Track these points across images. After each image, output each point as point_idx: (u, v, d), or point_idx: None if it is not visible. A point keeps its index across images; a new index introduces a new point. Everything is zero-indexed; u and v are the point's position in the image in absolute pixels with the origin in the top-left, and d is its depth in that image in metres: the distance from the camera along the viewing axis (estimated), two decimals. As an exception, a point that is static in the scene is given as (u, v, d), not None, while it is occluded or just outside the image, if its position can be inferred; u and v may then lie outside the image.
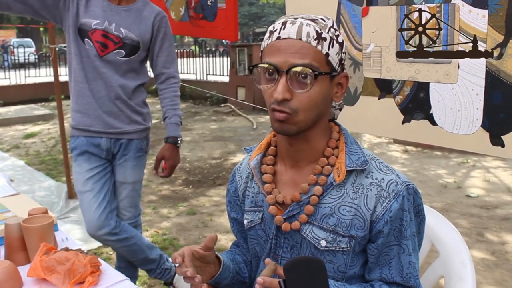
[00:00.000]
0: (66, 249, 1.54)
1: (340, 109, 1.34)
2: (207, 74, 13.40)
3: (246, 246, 1.45)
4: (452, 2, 1.78)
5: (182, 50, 16.67)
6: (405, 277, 1.20)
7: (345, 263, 1.21)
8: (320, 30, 1.14)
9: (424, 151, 6.72)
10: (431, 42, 1.85)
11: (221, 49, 15.18)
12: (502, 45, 1.67)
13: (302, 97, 1.13)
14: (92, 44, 2.44)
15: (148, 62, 2.66)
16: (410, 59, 1.94)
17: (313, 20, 1.16)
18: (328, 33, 1.15)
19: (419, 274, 1.25)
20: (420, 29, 1.86)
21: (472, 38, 1.74)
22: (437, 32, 1.83)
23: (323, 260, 1.07)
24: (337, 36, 1.18)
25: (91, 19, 2.43)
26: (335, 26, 1.19)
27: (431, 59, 1.87)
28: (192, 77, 13.65)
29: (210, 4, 2.98)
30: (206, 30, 3.09)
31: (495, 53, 1.69)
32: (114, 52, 2.45)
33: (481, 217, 4.36)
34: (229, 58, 12.00)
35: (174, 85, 2.65)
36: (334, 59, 1.16)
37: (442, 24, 1.80)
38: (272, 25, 1.20)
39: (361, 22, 2.10)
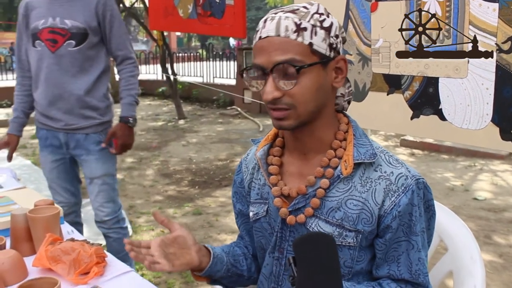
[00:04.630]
0: (72, 240, 1.54)
1: (349, 102, 1.31)
2: (214, 77, 13.42)
3: (248, 238, 1.43)
4: (462, -4, 1.77)
5: (189, 54, 16.70)
6: (414, 274, 1.17)
7: (352, 258, 1.19)
8: (299, 20, 1.11)
9: (431, 154, 6.68)
10: (431, 42, 1.84)
11: (228, 53, 15.19)
12: (513, 38, 1.66)
13: (293, 92, 1.11)
14: (43, 43, 2.50)
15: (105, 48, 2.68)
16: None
17: (293, 11, 1.12)
18: (309, 21, 1.11)
19: (427, 268, 1.23)
20: (420, 29, 1.85)
21: (472, 39, 1.73)
22: (437, 32, 1.82)
23: (332, 236, 1.05)
24: (321, 21, 1.13)
25: (38, 20, 2.51)
26: (320, 11, 1.14)
27: (440, 53, 1.86)
28: (199, 79, 13.68)
29: (218, 1, 2.98)
30: (214, 28, 3.09)
31: (506, 47, 1.68)
32: (65, 44, 2.50)
33: (489, 219, 4.33)
34: (235, 62, 12.01)
35: (129, 66, 2.68)
36: (321, 46, 1.12)
37: (452, 6, 1.79)
38: (258, 25, 1.18)
39: (370, 17, 2.09)
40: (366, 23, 2.12)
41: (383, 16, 2.04)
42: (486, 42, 1.73)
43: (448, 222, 1.52)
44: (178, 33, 32.06)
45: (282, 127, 1.15)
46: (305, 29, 1.10)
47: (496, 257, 3.58)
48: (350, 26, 2.18)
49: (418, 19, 1.89)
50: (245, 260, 1.40)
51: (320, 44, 1.12)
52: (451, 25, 1.82)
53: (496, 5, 1.68)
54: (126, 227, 2.82)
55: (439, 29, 1.82)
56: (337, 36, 1.16)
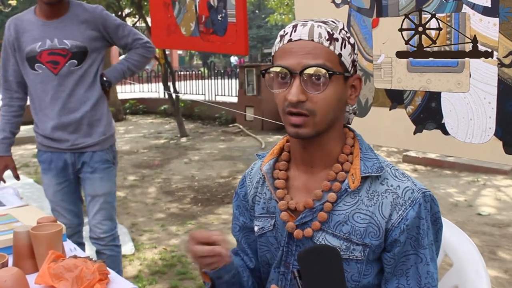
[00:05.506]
0: (75, 257, 1.53)
1: (354, 113, 1.32)
2: (215, 95, 13.47)
3: (250, 252, 1.41)
4: (462, 11, 1.78)
5: (191, 72, 16.77)
6: (423, 287, 1.17)
7: (359, 272, 1.18)
8: (332, 31, 1.14)
9: (434, 169, 6.66)
10: (431, 42, 1.85)
11: (230, 71, 15.27)
12: (514, 53, 1.66)
13: (317, 98, 1.12)
14: (44, 66, 2.48)
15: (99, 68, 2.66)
16: (421, 68, 1.93)
17: (324, 22, 1.16)
18: (339, 34, 1.15)
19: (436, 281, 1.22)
20: (420, 29, 1.86)
21: (472, 38, 1.73)
22: (437, 32, 1.83)
23: (337, 248, 1.04)
24: (348, 38, 1.17)
25: (33, 43, 2.48)
26: (345, 28, 1.19)
27: (442, 68, 1.87)
28: (201, 97, 13.72)
29: (220, 19, 3.00)
30: (217, 45, 3.11)
31: (507, 61, 1.68)
32: (67, 64, 2.49)
33: (493, 235, 4.30)
34: (237, 79, 12.07)
35: (142, 45, 2.69)
36: (347, 60, 1.16)
37: (452, 21, 1.80)
38: (283, 29, 1.20)
39: (371, 33, 2.10)
40: (367, 39, 2.13)
41: (384, 31, 2.05)
42: (487, 57, 1.74)
43: (452, 237, 1.51)
44: (180, 52, 32.28)
45: (299, 135, 1.15)
46: (337, 39, 1.14)
47: (501, 273, 3.56)
48: (352, 42, 2.19)
49: (418, 19, 1.89)
50: (244, 271, 1.39)
51: (346, 57, 1.16)
52: (452, 41, 1.83)
53: (496, 20, 1.69)
54: (120, 246, 2.83)
55: (439, 29, 1.83)
56: (357, 55, 1.21)
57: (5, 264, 1.50)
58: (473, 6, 1.75)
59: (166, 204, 5.49)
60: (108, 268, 1.53)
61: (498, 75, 1.71)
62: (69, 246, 1.83)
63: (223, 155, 8.24)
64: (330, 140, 1.20)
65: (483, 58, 1.75)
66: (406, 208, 1.15)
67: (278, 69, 1.14)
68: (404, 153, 7.30)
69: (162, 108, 13.75)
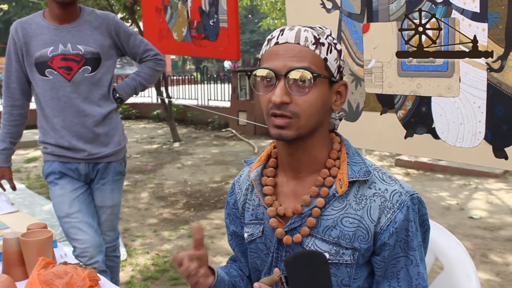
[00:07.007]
0: (65, 263, 1.52)
1: (340, 119, 1.33)
2: (208, 100, 13.46)
3: (244, 260, 1.42)
4: (452, 16, 1.79)
5: (184, 77, 16.76)
6: None
7: (349, 276, 1.19)
8: (318, 35, 1.15)
9: (426, 173, 6.69)
10: (431, 42, 1.86)
11: (223, 75, 15.26)
12: (503, 57, 1.68)
13: (301, 101, 1.12)
14: (56, 72, 2.38)
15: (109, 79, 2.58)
16: (411, 72, 1.94)
17: (311, 27, 1.17)
18: (326, 39, 1.16)
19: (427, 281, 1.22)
20: (420, 29, 1.86)
21: (472, 38, 1.74)
22: (437, 32, 1.83)
23: (323, 253, 1.04)
24: (335, 44, 1.18)
25: (44, 48, 2.38)
26: (332, 35, 1.20)
27: (432, 72, 1.88)
28: (193, 102, 13.71)
29: (212, 24, 3.01)
30: (208, 50, 3.11)
31: (496, 66, 1.70)
32: (80, 70, 2.40)
33: (485, 238, 4.32)
34: (230, 84, 12.07)
35: (152, 58, 2.65)
36: (332, 65, 1.16)
37: (443, 25, 1.81)
38: (271, 34, 1.21)
39: (362, 38, 2.11)
40: (358, 44, 2.14)
41: (375, 36, 2.06)
42: (476, 61, 1.75)
43: (443, 240, 1.52)
44: (173, 56, 32.27)
45: (281, 136, 1.15)
46: (323, 44, 1.15)
47: (493, 276, 3.57)
48: (343, 47, 2.20)
49: (418, 19, 1.90)
50: (242, 281, 1.40)
51: (332, 62, 1.16)
52: (442, 44, 1.84)
53: (485, 25, 1.70)
54: (119, 256, 2.80)
55: (439, 29, 1.83)
56: (343, 62, 1.22)
57: (-6, 271, 1.50)
58: (462, 12, 1.76)
59: (159, 209, 5.47)
60: (100, 275, 1.52)
61: (488, 80, 1.72)
62: (59, 252, 1.82)
63: (215, 160, 8.24)
64: (315, 145, 1.21)
65: (473, 63, 1.76)
66: (394, 211, 1.15)
67: (264, 72, 1.15)
68: (397, 157, 7.32)
69: (155, 113, 13.73)
